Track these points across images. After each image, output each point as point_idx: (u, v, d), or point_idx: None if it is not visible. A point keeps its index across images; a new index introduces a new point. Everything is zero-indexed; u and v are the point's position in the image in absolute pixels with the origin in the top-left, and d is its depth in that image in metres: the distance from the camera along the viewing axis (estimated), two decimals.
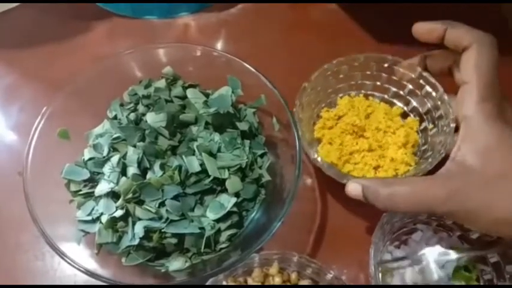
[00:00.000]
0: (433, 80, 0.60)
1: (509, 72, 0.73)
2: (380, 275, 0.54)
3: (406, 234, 0.59)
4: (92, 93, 0.61)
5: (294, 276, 0.53)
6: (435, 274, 0.54)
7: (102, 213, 0.53)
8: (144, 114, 0.57)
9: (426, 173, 0.55)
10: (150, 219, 0.51)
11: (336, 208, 0.64)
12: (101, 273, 0.50)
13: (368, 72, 0.64)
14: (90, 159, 0.56)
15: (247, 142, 0.58)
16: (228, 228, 0.54)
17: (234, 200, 0.54)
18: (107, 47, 0.78)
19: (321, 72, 0.61)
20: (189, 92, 0.59)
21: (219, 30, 0.80)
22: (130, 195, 0.52)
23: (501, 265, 0.55)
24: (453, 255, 0.54)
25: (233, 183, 0.55)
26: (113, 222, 0.52)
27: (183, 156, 0.54)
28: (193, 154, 0.55)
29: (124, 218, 0.52)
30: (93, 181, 0.56)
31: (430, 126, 0.62)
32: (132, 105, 0.60)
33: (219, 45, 0.78)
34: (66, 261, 0.49)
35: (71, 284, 0.58)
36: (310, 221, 0.63)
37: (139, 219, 0.51)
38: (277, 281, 0.51)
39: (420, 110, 0.63)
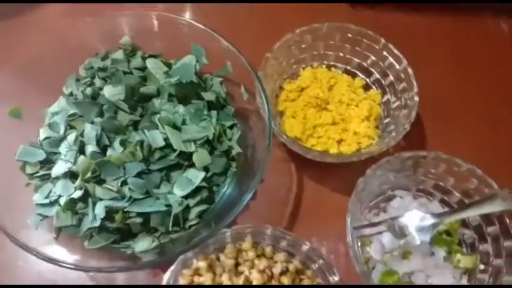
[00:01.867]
0: (396, 51, 0.58)
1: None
2: (359, 243, 0.52)
3: (384, 201, 0.57)
4: (45, 70, 0.57)
5: (268, 250, 0.50)
6: (416, 239, 0.52)
7: (60, 196, 0.49)
8: (101, 88, 0.53)
9: (391, 147, 0.54)
10: (112, 199, 0.48)
11: (312, 179, 0.61)
12: (63, 258, 0.47)
13: (331, 43, 0.62)
14: (45, 138, 0.52)
15: (214, 113, 0.55)
16: (198, 204, 0.51)
17: (202, 174, 0.51)
18: (63, 20, 0.73)
19: (284, 42, 0.59)
20: (149, 62, 0.55)
21: None
22: (89, 175, 0.48)
23: (482, 227, 0.54)
24: (433, 219, 0.52)
25: (201, 156, 0.52)
26: (71, 204, 0.48)
27: (145, 131, 0.51)
28: (157, 128, 0.51)
29: (83, 199, 0.48)
30: (50, 162, 0.52)
31: (393, 99, 0.61)
32: (88, 79, 0.56)
33: (186, 15, 0.74)
34: (22, 248, 0.45)
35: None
36: (285, 194, 0.61)
37: (100, 199, 0.48)
38: (250, 255, 0.49)
39: (383, 82, 0.62)
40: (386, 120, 0.60)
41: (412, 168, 0.55)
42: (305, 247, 0.49)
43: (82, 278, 0.54)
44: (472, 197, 0.54)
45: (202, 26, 0.56)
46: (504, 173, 0.52)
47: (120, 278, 0.54)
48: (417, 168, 0.55)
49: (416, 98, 0.56)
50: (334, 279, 0.47)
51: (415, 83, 0.57)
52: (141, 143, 0.50)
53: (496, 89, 0.69)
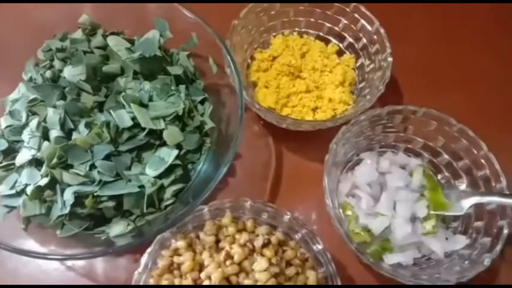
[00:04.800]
0: (368, 12, 0.57)
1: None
2: (337, 203, 0.51)
3: (354, 164, 0.56)
4: (1, 57, 0.54)
5: (249, 224, 0.48)
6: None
7: (26, 185, 0.47)
8: (61, 71, 0.51)
9: (365, 110, 0.52)
10: (81, 184, 0.46)
11: (290, 150, 0.60)
12: (36, 249, 0.45)
13: (301, 8, 0.60)
14: (7, 127, 0.50)
15: (182, 88, 0.52)
16: (173, 183, 0.50)
17: (175, 152, 0.49)
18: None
19: (251, 8, 0.57)
20: (111, 40, 0.53)
21: None
22: (55, 161, 0.46)
23: (453, 164, 0.54)
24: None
25: (172, 134, 0.50)
26: (38, 192, 0.46)
27: (111, 111, 0.48)
28: (123, 108, 0.49)
29: (51, 185, 0.46)
30: (13, 151, 0.50)
31: (367, 62, 0.59)
32: (47, 62, 0.53)
33: None
34: None
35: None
36: (264, 168, 0.59)
37: (69, 185, 0.46)
38: (230, 230, 0.47)
39: (356, 46, 0.61)
40: (361, 85, 0.59)
41: (379, 128, 0.54)
42: (286, 217, 0.48)
43: (59, 269, 0.52)
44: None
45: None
46: (479, 133, 0.51)
47: (99, 266, 0.52)
48: (375, 127, 0.54)
49: (390, 59, 0.55)
50: (318, 247, 0.46)
51: (387, 43, 0.55)
52: (108, 123, 0.47)
53: (469, 50, 0.68)
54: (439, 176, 0.55)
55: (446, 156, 0.54)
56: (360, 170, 0.54)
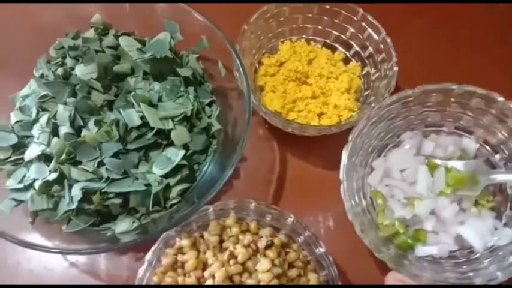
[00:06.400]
0: (375, 21, 0.58)
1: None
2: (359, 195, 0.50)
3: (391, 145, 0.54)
4: (14, 53, 0.55)
5: (253, 225, 0.49)
6: None
7: (34, 179, 0.48)
8: (72, 68, 0.52)
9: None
10: (88, 180, 0.46)
11: (295, 155, 0.60)
12: (41, 243, 0.45)
13: (309, 15, 0.62)
14: (17, 122, 0.51)
15: (191, 89, 0.53)
16: (178, 183, 0.50)
17: (182, 152, 0.50)
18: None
19: (261, 14, 0.58)
20: (122, 40, 0.53)
21: None
22: (64, 157, 0.47)
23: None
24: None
25: (179, 134, 0.50)
26: (46, 186, 0.47)
27: (121, 110, 0.49)
28: (133, 107, 0.50)
29: (59, 181, 0.47)
30: (22, 146, 0.51)
31: (373, 70, 0.60)
32: (59, 60, 0.54)
33: None
34: None
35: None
36: (268, 172, 0.60)
37: (77, 181, 0.47)
38: (234, 231, 0.47)
39: (362, 54, 0.62)
40: (366, 93, 0.60)
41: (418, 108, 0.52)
42: (290, 220, 0.48)
43: (62, 265, 0.53)
44: None
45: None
46: None
47: (102, 263, 0.53)
48: (412, 107, 0.51)
49: (396, 68, 0.56)
50: (320, 250, 0.47)
51: (393, 52, 0.56)
52: (117, 122, 0.48)
53: (474, 57, 0.69)
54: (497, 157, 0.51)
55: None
56: (394, 153, 0.52)
